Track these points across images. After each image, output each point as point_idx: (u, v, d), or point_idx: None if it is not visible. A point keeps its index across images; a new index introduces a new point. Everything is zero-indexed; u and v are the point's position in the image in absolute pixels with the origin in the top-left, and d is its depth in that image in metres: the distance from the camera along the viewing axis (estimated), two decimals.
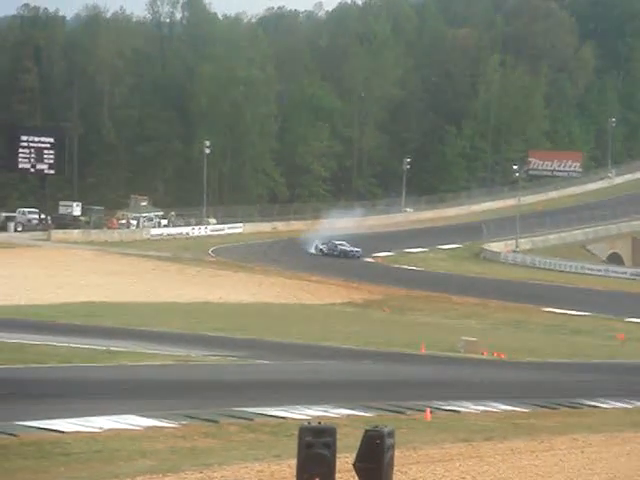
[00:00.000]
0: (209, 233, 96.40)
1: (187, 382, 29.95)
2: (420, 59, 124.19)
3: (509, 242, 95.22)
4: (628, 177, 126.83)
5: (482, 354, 44.18)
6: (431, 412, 26.36)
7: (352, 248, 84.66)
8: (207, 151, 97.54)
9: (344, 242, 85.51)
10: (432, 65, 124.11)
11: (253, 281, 70.03)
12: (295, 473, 11.05)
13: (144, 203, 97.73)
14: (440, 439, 23.45)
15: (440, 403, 28.33)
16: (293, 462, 11.21)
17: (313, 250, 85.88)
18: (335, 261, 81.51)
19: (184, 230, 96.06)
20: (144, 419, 22.56)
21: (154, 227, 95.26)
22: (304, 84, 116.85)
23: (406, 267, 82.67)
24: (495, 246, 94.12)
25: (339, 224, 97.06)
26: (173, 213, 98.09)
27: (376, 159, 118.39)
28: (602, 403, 31.34)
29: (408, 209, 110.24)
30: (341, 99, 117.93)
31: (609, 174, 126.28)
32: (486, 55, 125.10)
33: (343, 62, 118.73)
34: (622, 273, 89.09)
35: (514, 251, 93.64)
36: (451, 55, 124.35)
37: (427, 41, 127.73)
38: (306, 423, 11.30)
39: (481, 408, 28.63)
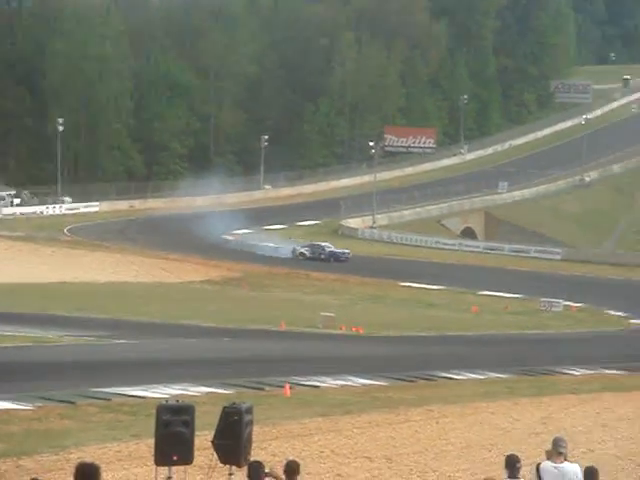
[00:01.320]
0: (64, 212, 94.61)
1: (43, 363, 29.42)
2: (276, 35, 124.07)
3: (366, 218, 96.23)
4: (480, 153, 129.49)
5: (340, 329, 44.65)
6: (290, 388, 26.54)
7: (342, 250, 75.77)
8: (60, 128, 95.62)
9: (329, 244, 77.21)
10: (288, 42, 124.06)
11: (110, 260, 69.09)
12: (153, 452, 11.01)
13: None
14: (299, 414, 23.67)
15: (299, 379, 28.56)
16: (152, 441, 11.17)
17: (290, 254, 75.34)
18: (194, 238, 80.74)
19: (38, 209, 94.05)
20: None
21: (6, 206, 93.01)
22: (159, 61, 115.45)
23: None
24: (353, 222, 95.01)
25: (197, 202, 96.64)
26: (26, 192, 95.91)
27: (234, 136, 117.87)
28: (456, 375, 32.05)
29: (267, 186, 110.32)
30: (197, 76, 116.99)
31: (461, 150, 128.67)
32: (341, 32, 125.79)
33: (198, 38, 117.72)
34: (475, 247, 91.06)
35: (371, 227, 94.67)
36: (307, 32, 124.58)
37: (283, 17, 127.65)
38: (164, 402, 11.26)
39: (340, 383, 28.97)
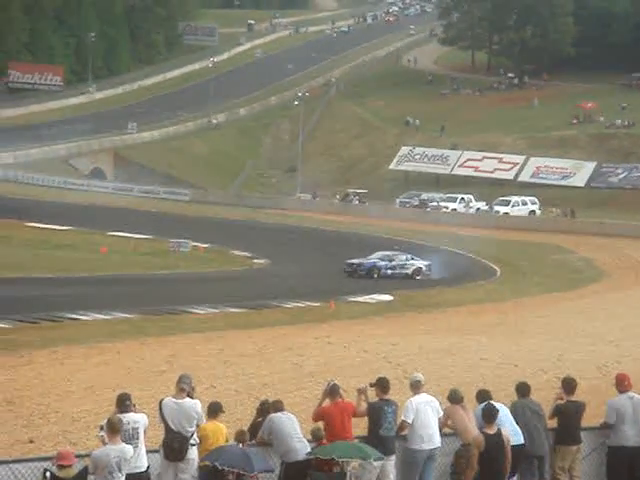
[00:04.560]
0: None
1: None
2: None
3: None
4: (109, 92, 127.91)
5: None
6: None
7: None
8: None
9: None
10: None
11: None
12: None
13: None
14: None
15: None
16: None
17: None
18: None
19: None
20: None
21: None
22: None
23: None
24: None
25: None
26: None
27: None
28: (83, 315, 31.86)
29: None
30: None
31: (90, 89, 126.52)
32: None
33: None
34: (104, 187, 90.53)
35: None
36: None
37: None
38: None
39: None
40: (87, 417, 18.71)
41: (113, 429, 11.56)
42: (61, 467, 11.01)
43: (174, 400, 12.72)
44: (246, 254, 56.58)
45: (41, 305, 33.88)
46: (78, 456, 11.42)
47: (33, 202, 74.39)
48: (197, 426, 12.71)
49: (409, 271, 49.19)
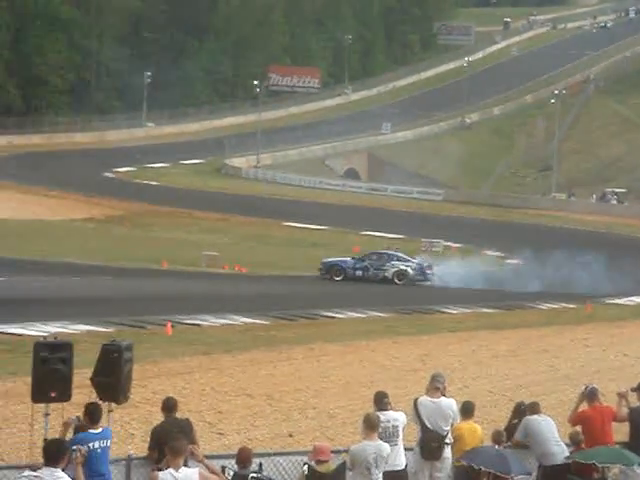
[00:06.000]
0: None
1: None
2: None
3: (251, 157, 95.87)
4: (364, 94, 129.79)
5: (224, 268, 44.62)
6: (172, 326, 26.47)
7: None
8: None
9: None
10: None
11: None
12: (31, 389, 10.89)
13: None
14: (180, 352, 23.66)
15: (181, 317, 28.50)
16: (29, 379, 11.03)
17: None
18: (72, 174, 79.12)
19: None
20: None
21: None
22: None
23: (148, 182, 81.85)
24: (237, 161, 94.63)
25: (77, 138, 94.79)
26: None
27: (116, 72, 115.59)
28: (338, 313, 32.36)
29: (150, 124, 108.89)
30: (78, 9, 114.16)
31: (346, 90, 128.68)
32: None
33: None
34: (358, 188, 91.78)
35: (255, 166, 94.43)
36: None
37: None
38: (42, 339, 11.15)
39: (222, 321, 29.01)
40: (343, 413, 18.97)
41: (371, 425, 11.64)
42: (319, 462, 11.20)
43: (430, 399, 12.68)
44: (498, 254, 55.96)
45: (297, 302, 34.69)
46: (335, 452, 11.58)
47: (290, 202, 76.32)
48: (451, 425, 12.64)
49: (388, 274, 43.70)
